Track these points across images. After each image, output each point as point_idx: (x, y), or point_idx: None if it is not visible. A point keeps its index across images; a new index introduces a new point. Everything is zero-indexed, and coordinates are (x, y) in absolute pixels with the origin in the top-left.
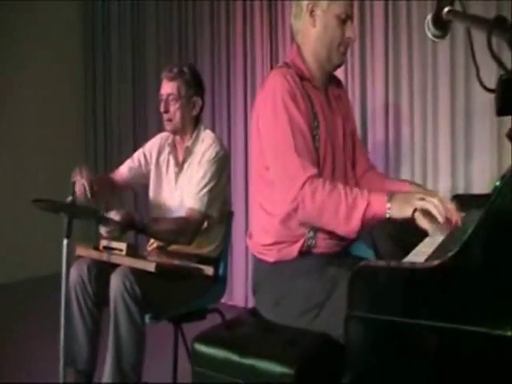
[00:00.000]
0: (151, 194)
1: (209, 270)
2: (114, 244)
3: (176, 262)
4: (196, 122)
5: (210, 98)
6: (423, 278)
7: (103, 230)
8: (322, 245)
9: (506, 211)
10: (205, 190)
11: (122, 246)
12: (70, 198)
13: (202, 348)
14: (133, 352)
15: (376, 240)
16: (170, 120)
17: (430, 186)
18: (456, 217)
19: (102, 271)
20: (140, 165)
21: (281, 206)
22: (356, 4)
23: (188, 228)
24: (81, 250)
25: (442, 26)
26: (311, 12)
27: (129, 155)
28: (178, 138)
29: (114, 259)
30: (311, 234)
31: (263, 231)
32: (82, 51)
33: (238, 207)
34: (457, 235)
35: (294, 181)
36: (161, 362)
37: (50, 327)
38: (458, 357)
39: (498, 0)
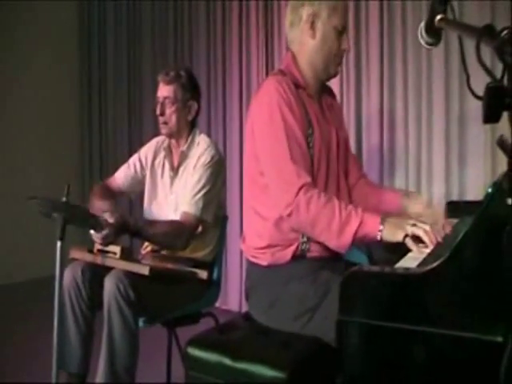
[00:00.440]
0: (146, 197)
1: (203, 274)
2: (109, 247)
3: (170, 265)
4: (191, 126)
5: (206, 102)
6: (415, 284)
7: (96, 237)
8: (316, 249)
9: (497, 217)
10: (200, 195)
11: (117, 249)
12: (63, 199)
13: (195, 352)
14: (126, 355)
15: (370, 246)
16: (165, 123)
17: (424, 192)
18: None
19: (96, 274)
20: (136, 171)
21: (274, 210)
22: (351, 11)
23: (183, 232)
24: (75, 253)
25: (434, 33)
26: (312, 23)
27: (124, 156)
28: (173, 141)
29: (108, 262)
30: (305, 238)
31: (257, 235)
32: (78, 51)
33: (233, 211)
34: (449, 241)
35: (288, 187)
36: (154, 365)
37: (44, 329)
38: (449, 362)
39: None
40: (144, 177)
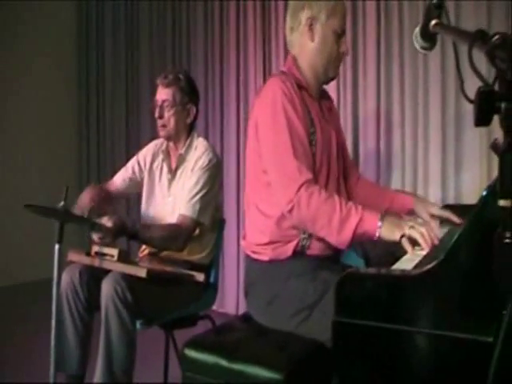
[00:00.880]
0: (144, 200)
1: (200, 277)
2: (106, 250)
3: (167, 268)
4: (190, 130)
5: (204, 105)
6: (410, 285)
7: (95, 236)
8: (316, 246)
9: (491, 220)
10: (197, 198)
11: (114, 251)
12: (61, 203)
13: (192, 353)
14: (124, 357)
15: (368, 250)
16: (164, 126)
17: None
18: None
19: (93, 276)
20: (134, 173)
21: (277, 208)
22: (348, 14)
23: (180, 235)
24: (72, 256)
25: (429, 38)
26: (310, 26)
27: (122, 159)
28: (171, 145)
29: (106, 265)
30: (306, 234)
31: (259, 231)
32: (76, 54)
33: (230, 214)
34: (444, 243)
35: (290, 183)
36: (152, 367)
37: (42, 331)
38: (444, 363)
39: None
40: (142, 179)
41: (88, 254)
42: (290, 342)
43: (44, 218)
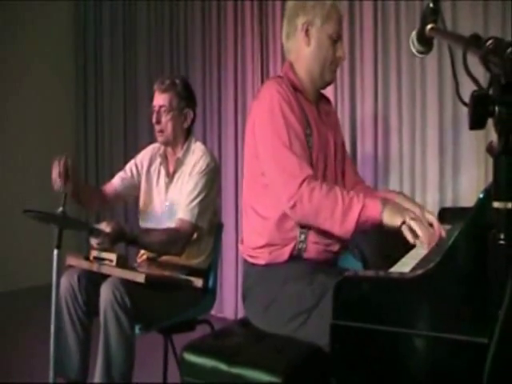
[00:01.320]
0: (141, 204)
1: (198, 282)
2: (105, 254)
3: (166, 273)
4: (187, 134)
5: (201, 110)
6: (407, 288)
7: (94, 241)
8: (312, 250)
9: (487, 222)
10: (195, 202)
11: (113, 256)
12: (60, 209)
13: (191, 357)
14: (122, 362)
15: (365, 253)
16: (161, 131)
17: (418, 198)
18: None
19: (92, 281)
20: (132, 175)
21: (275, 210)
22: (345, 19)
23: (178, 239)
24: (71, 260)
25: (425, 42)
26: (306, 31)
27: (119, 163)
28: (169, 149)
29: (105, 270)
30: (302, 237)
31: (256, 234)
32: (74, 53)
33: (228, 219)
34: (441, 246)
35: (291, 179)
36: (151, 371)
37: (42, 336)
38: (442, 364)
39: None
40: (139, 182)
41: (87, 258)
42: (288, 346)
43: (43, 223)
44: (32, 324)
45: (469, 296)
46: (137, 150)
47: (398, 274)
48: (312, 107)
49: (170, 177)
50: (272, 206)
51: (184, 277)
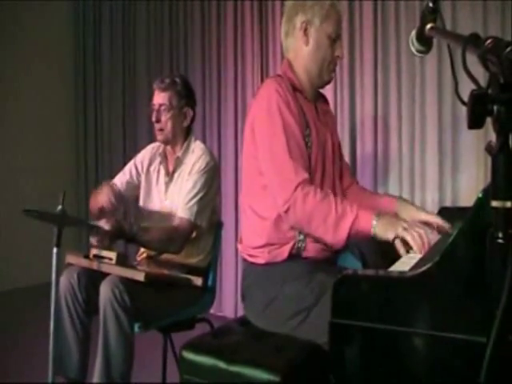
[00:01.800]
0: (141, 202)
1: (198, 281)
2: (104, 253)
3: (165, 271)
4: (187, 133)
5: (201, 109)
6: (406, 286)
7: (93, 239)
8: (311, 249)
9: (485, 222)
10: (194, 200)
11: (112, 255)
12: (59, 208)
13: (190, 356)
14: (122, 360)
15: (364, 252)
16: (161, 130)
17: (417, 198)
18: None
19: (91, 279)
20: (132, 176)
21: (273, 209)
22: (345, 18)
23: (177, 237)
24: (71, 258)
25: (425, 41)
26: (305, 30)
27: (119, 163)
28: (168, 148)
29: (104, 268)
30: (301, 236)
31: (255, 234)
32: (73, 52)
33: (228, 217)
34: (440, 246)
35: (286, 184)
36: (150, 369)
37: (41, 335)
38: (441, 363)
39: None
40: (139, 182)
41: (86, 256)
42: (287, 345)
43: (42, 222)
44: (31, 323)
45: (467, 295)
46: (136, 150)
47: (397, 273)
48: (311, 107)
49: (170, 176)
50: (270, 205)
51: (183, 275)
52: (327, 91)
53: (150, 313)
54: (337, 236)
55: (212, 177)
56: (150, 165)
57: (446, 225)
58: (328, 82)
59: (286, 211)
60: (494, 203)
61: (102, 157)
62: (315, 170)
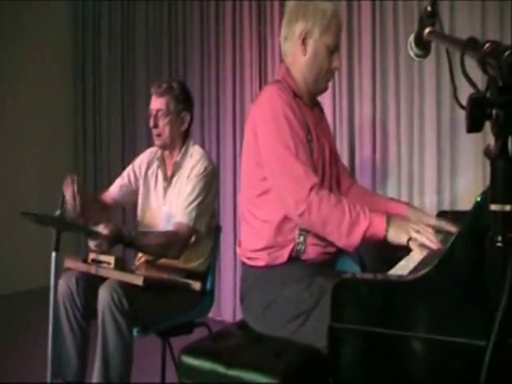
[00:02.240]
0: (140, 207)
1: (196, 285)
2: (103, 257)
3: (164, 276)
4: (185, 137)
5: (200, 113)
6: (405, 290)
7: (92, 244)
8: (311, 251)
9: (484, 225)
10: (193, 205)
11: (111, 259)
12: (58, 212)
13: (189, 360)
14: (120, 364)
15: (363, 256)
16: (159, 135)
17: (416, 201)
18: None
19: (90, 284)
20: (130, 181)
21: (277, 213)
22: (344, 22)
23: (176, 242)
24: (69, 262)
25: (423, 46)
26: (303, 40)
27: (117, 168)
28: (167, 152)
29: (103, 272)
30: (301, 239)
31: (255, 237)
32: (72, 54)
33: (226, 222)
34: (439, 249)
35: (297, 186)
36: (149, 374)
37: (40, 338)
38: (440, 367)
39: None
40: (138, 187)
41: (85, 260)
42: (286, 349)
43: (41, 226)
44: (30, 327)
45: (466, 298)
46: (135, 154)
47: (396, 276)
48: (310, 112)
49: (168, 180)
50: (273, 209)
51: (182, 279)
52: (326, 95)
53: (148, 317)
54: (350, 240)
55: (210, 181)
56: (148, 169)
57: (452, 229)
58: (324, 91)
59: (301, 214)
60: (493, 207)
61: (101, 159)
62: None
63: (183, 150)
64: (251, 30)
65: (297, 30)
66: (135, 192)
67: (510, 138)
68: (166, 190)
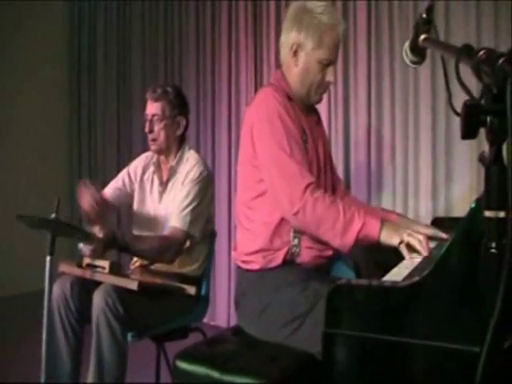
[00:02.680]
0: (135, 212)
1: (191, 290)
2: (98, 262)
3: (159, 280)
4: (180, 142)
5: (195, 117)
6: (400, 296)
7: (85, 249)
8: (305, 254)
9: (478, 232)
10: (188, 210)
11: (105, 263)
12: (53, 215)
13: (184, 365)
14: (115, 369)
15: (358, 262)
16: (154, 140)
17: (411, 207)
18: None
19: (84, 288)
20: (124, 184)
21: (272, 215)
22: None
23: (170, 246)
24: (64, 267)
25: (418, 52)
26: (295, 52)
27: (112, 171)
28: (162, 157)
29: (97, 277)
30: (296, 241)
31: (250, 240)
32: (68, 57)
33: (221, 227)
34: (434, 256)
35: (292, 187)
36: (143, 379)
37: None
38: (434, 373)
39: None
40: (132, 191)
41: (79, 265)
42: (280, 354)
43: (35, 229)
44: (23, 331)
45: (461, 305)
46: (130, 158)
47: (390, 282)
48: (304, 116)
49: (164, 185)
50: (270, 212)
51: (177, 284)
52: (321, 104)
53: (143, 322)
54: (344, 241)
55: (206, 186)
56: (143, 174)
57: (444, 236)
58: (317, 103)
59: (296, 214)
60: (488, 213)
61: (96, 165)
62: None
63: (179, 154)
64: (247, 33)
65: (290, 40)
66: (129, 195)
67: (503, 145)
68: (161, 194)
